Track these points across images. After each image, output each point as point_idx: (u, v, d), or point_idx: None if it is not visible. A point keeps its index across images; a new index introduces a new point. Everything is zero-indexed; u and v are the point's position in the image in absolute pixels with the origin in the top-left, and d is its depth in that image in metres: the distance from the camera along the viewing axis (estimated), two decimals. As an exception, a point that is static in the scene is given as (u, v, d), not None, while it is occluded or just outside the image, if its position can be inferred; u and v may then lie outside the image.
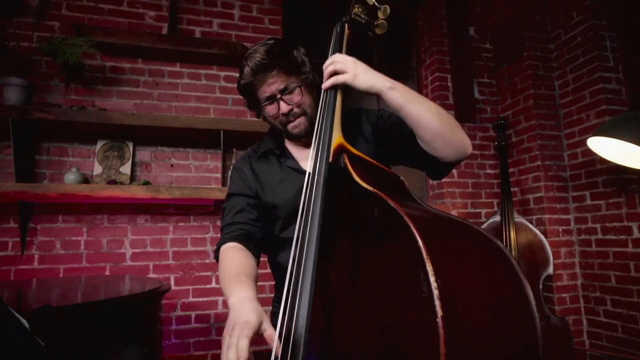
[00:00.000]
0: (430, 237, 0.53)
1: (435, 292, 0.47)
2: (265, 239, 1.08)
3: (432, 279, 0.48)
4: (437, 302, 0.47)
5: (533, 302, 0.56)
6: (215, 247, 1.05)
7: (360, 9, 1.00)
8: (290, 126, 1.02)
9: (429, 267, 0.49)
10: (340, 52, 0.99)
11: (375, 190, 0.65)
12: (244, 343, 0.63)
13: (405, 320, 0.52)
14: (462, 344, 0.47)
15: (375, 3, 0.99)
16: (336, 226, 0.73)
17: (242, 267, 0.90)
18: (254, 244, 1.02)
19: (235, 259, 0.94)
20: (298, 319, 0.64)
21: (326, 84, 0.91)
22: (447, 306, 0.47)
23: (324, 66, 0.92)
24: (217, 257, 1.02)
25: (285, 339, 0.63)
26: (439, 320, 0.46)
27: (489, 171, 2.90)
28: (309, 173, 0.81)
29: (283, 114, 1.00)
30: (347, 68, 0.89)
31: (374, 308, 0.57)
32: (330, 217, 0.73)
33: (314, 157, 0.83)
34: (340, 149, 0.81)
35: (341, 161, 0.79)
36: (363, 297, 0.61)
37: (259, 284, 2.71)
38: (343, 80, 0.88)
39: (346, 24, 1.02)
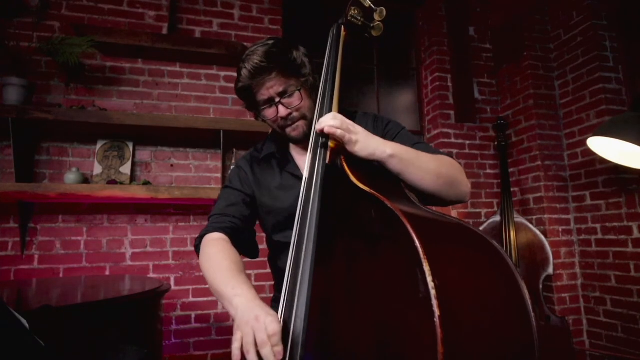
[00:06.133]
0: (427, 238, 0.53)
1: (433, 292, 0.47)
2: (250, 242, 1.07)
3: (429, 279, 0.48)
4: (434, 302, 0.47)
5: (529, 303, 0.56)
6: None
7: (356, 11, 1.00)
8: (288, 130, 1.00)
9: (426, 267, 0.49)
10: (337, 53, 0.97)
11: (372, 191, 0.64)
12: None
13: (403, 321, 0.52)
14: (460, 344, 0.47)
15: (372, 5, 0.98)
16: (333, 227, 0.73)
17: (239, 265, 0.87)
18: (238, 243, 0.98)
19: (228, 253, 0.90)
20: (296, 319, 0.64)
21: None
22: (444, 306, 0.47)
23: (321, 120, 0.81)
24: (197, 245, 0.98)
25: (283, 339, 0.63)
26: (436, 319, 0.46)
27: (489, 171, 2.90)
28: (305, 176, 0.80)
29: (282, 118, 0.98)
30: (345, 135, 0.79)
31: (371, 308, 0.57)
32: (327, 218, 0.73)
33: (310, 159, 0.82)
34: (337, 150, 0.81)
35: (338, 162, 0.78)
36: (360, 297, 0.61)
37: (258, 283, 2.70)
38: (340, 142, 0.79)
39: (342, 26, 1.02)
